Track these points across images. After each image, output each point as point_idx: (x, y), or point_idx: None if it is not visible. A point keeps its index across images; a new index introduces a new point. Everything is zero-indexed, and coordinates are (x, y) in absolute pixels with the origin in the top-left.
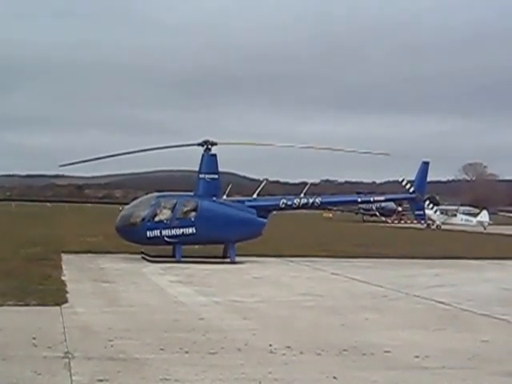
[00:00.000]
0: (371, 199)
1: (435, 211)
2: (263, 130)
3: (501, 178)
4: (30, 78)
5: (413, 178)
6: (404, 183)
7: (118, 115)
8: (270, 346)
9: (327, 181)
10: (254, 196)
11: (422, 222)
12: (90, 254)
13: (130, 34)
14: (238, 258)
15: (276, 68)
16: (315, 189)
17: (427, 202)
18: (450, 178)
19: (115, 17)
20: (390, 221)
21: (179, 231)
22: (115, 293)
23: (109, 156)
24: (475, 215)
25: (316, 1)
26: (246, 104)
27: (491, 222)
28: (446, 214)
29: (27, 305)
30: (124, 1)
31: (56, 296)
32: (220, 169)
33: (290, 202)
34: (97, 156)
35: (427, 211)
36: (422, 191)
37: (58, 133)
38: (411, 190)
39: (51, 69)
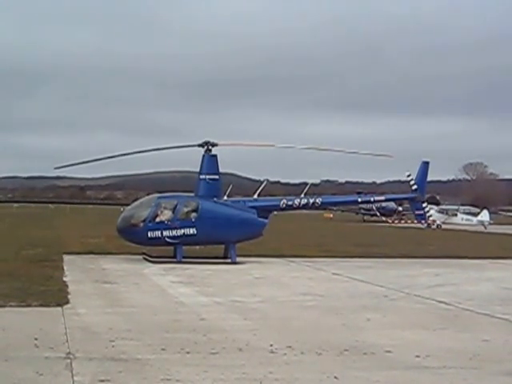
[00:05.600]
0: (371, 199)
1: (429, 216)
2: (271, 132)
3: (501, 178)
4: (31, 82)
5: (413, 178)
6: (409, 178)
7: (122, 118)
8: (271, 346)
9: (327, 181)
10: (255, 196)
11: (423, 221)
12: (91, 255)
13: (141, 39)
14: (238, 259)
15: (283, 71)
16: (316, 189)
17: (425, 204)
18: (451, 178)
19: (126, 22)
20: (390, 221)
21: (180, 232)
22: (117, 293)
23: (107, 157)
24: (476, 215)
25: (327, 5)
26: (254, 106)
27: (492, 222)
28: (447, 214)
29: (29, 306)
30: (134, 6)
31: (58, 297)
32: (221, 169)
33: (290, 203)
34: (94, 158)
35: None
36: (422, 191)
37: (60, 135)
38: (414, 187)
39: (52, 73)
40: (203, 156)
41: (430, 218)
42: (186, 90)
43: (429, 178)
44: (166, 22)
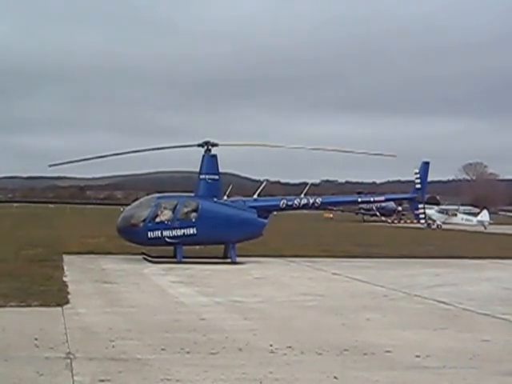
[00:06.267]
0: (371, 199)
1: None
2: (271, 132)
3: (501, 178)
4: (31, 82)
5: (413, 178)
6: (416, 176)
7: (122, 118)
8: (271, 346)
9: (327, 181)
10: (255, 196)
11: (422, 221)
12: (91, 255)
13: (142, 39)
14: (238, 259)
15: (284, 71)
16: (315, 189)
17: (421, 205)
18: (451, 178)
19: (126, 22)
20: (390, 221)
21: (180, 232)
22: (116, 293)
23: (106, 156)
24: (476, 215)
25: (327, 5)
26: (254, 106)
27: (492, 222)
28: (447, 214)
29: (29, 306)
30: (134, 6)
31: (58, 297)
32: (221, 169)
33: (290, 203)
34: (91, 156)
35: (428, 211)
36: (423, 191)
37: (60, 135)
38: (418, 186)
39: (52, 73)
40: (203, 156)
41: (422, 220)
42: (187, 90)
43: (429, 178)
44: (167, 22)
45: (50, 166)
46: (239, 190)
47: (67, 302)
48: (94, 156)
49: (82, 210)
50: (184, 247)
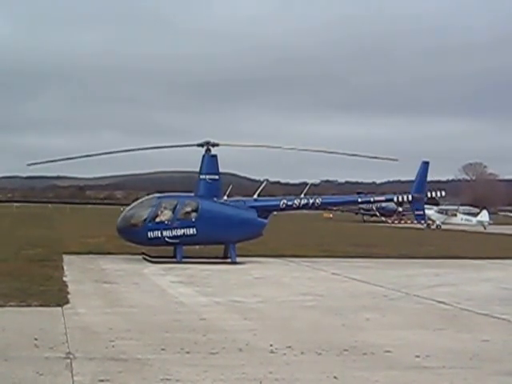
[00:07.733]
0: (371, 199)
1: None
2: (272, 132)
3: (501, 178)
4: (31, 82)
5: (413, 178)
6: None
7: (122, 117)
8: (271, 346)
9: (327, 181)
10: (255, 196)
11: (422, 222)
12: (91, 255)
13: (143, 39)
14: (238, 259)
15: (285, 71)
16: (315, 189)
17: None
18: (450, 178)
19: (127, 22)
20: (390, 221)
21: (180, 232)
22: (116, 293)
23: (106, 153)
24: (475, 215)
25: (327, 6)
26: (255, 107)
27: (491, 222)
28: (447, 214)
29: (29, 306)
30: (135, 6)
31: (57, 297)
32: (221, 169)
33: (290, 203)
34: (86, 153)
35: (427, 211)
36: (422, 191)
37: (60, 135)
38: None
39: (53, 73)
40: (203, 156)
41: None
42: (187, 90)
43: (429, 178)
44: (168, 21)
45: (29, 164)
46: (239, 189)
47: (67, 302)
48: (94, 153)
49: (82, 209)
50: (184, 247)
